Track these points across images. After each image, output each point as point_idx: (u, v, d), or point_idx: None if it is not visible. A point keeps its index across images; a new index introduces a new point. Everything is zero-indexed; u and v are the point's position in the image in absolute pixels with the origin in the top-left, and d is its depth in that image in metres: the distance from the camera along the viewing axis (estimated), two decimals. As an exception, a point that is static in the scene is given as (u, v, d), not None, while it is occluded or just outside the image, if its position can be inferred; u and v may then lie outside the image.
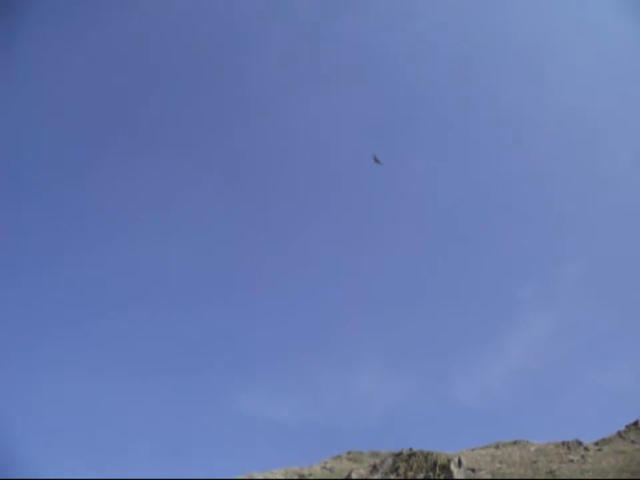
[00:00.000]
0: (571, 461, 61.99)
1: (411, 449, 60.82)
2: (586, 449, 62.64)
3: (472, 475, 61.42)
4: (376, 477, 61.73)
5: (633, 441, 64.66)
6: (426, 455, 60.21)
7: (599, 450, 63.42)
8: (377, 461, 62.11)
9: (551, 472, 60.91)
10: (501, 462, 61.39)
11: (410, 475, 60.40)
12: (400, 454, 61.12)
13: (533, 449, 63.44)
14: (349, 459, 65.46)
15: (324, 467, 62.89)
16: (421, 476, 59.97)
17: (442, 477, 59.66)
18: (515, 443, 67.09)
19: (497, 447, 66.03)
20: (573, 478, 56.80)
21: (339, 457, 66.64)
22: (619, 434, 65.09)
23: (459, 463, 60.12)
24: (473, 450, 64.99)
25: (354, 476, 62.91)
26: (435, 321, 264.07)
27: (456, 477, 59.43)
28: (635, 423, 65.81)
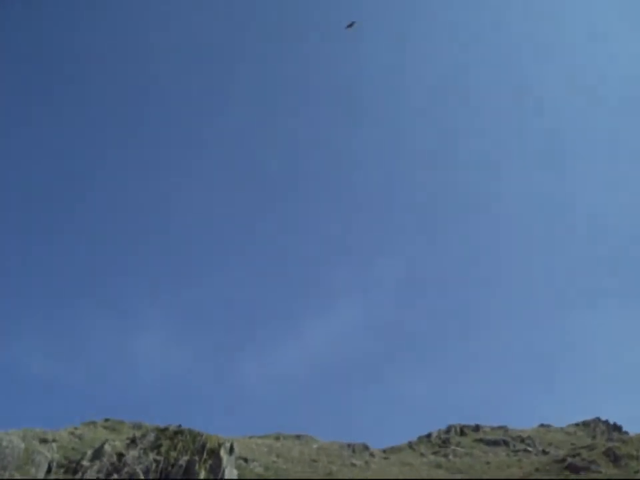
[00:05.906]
0: (354, 465, 57.00)
1: (179, 426, 52.55)
2: (372, 454, 58.09)
3: (243, 466, 54.18)
4: (132, 453, 52.09)
5: (422, 454, 61.28)
6: (195, 436, 52.14)
7: (386, 458, 59.22)
8: (138, 433, 53.00)
9: (330, 473, 55.46)
10: (278, 456, 54.78)
11: (173, 454, 51.76)
12: (165, 430, 52.64)
13: (315, 446, 57.66)
14: (106, 427, 55.38)
15: (72, 433, 52.37)
16: (185, 458, 51.51)
17: (209, 463, 51.72)
18: (297, 436, 60.94)
19: (278, 438, 59.49)
20: (349, 482, 51.83)
21: (94, 423, 56.24)
22: (410, 444, 61.51)
23: (231, 450, 52.59)
24: (250, 437, 57.93)
25: (106, 448, 52.78)
26: (235, 290, 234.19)
27: (224, 466, 51.69)
28: (428, 436, 62.80)
